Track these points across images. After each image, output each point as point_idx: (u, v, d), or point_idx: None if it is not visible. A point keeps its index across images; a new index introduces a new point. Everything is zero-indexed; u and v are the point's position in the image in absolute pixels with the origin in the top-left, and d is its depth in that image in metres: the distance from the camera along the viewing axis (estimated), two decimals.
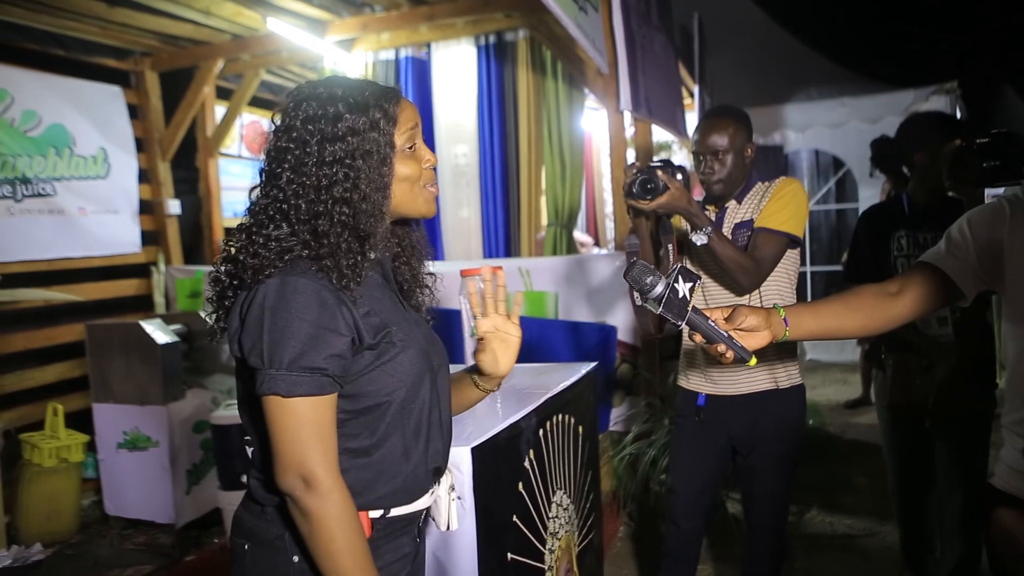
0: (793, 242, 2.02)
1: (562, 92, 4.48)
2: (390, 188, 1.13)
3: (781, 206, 2.00)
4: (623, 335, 3.71)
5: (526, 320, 3.64)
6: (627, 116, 3.93)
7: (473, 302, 1.31)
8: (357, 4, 4.49)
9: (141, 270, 4.94)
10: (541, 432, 1.91)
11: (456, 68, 4.76)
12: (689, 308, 1.22)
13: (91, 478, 3.87)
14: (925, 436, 2.40)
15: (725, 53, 6.71)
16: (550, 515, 1.94)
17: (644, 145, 4.05)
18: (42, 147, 4.30)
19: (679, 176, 1.95)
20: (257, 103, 5.57)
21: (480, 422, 1.71)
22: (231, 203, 5.28)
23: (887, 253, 2.40)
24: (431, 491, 1.22)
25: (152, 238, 5.04)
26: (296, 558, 1.09)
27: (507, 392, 2.00)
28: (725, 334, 1.24)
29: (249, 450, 1.18)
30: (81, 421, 3.80)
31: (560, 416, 2.04)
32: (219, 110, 5.26)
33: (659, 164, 1.96)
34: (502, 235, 4.65)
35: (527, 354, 2.93)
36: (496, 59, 4.64)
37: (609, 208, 6.14)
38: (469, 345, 2.07)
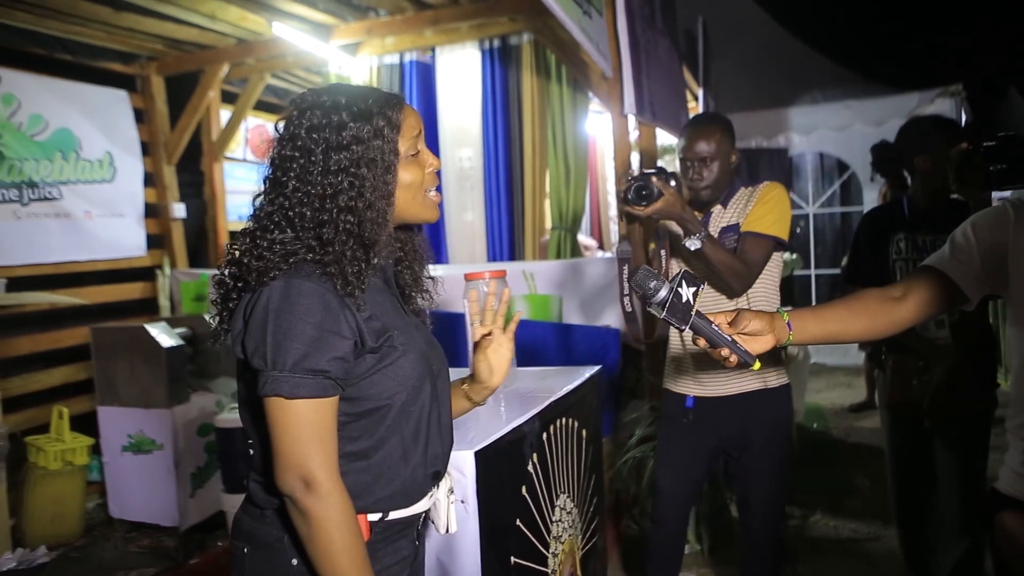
0: (779, 245, 2.07)
1: (566, 96, 4.49)
2: (394, 195, 1.14)
3: (767, 210, 2.06)
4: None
5: (530, 323, 3.66)
6: (631, 120, 3.93)
7: (472, 310, 1.33)
8: (362, 9, 4.50)
9: (146, 273, 4.96)
10: (545, 436, 1.91)
11: (460, 72, 4.77)
12: (692, 313, 1.22)
13: (96, 481, 3.88)
14: (924, 436, 2.41)
15: (729, 56, 6.72)
16: (553, 519, 1.94)
17: (648, 149, 4.05)
18: (48, 151, 4.32)
19: (672, 183, 1.99)
20: (262, 107, 5.59)
21: (483, 426, 1.71)
22: (236, 207, 5.29)
23: (886, 255, 2.40)
24: (430, 494, 1.23)
25: (157, 242, 5.06)
26: (295, 561, 1.10)
27: (511, 396, 2.00)
28: (729, 338, 1.24)
29: (251, 453, 1.18)
30: (86, 424, 3.81)
31: (564, 420, 2.04)
32: (224, 114, 5.28)
33: (653, 171, 2.00)
34: (506, 239, 4.65)
35: (531, 358, 2.94)
36: (500, 63, 4.65)
37: (613, 211, 6.14)
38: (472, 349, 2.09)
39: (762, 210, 2.06)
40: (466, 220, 4.78)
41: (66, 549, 3.53)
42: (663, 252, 2.10)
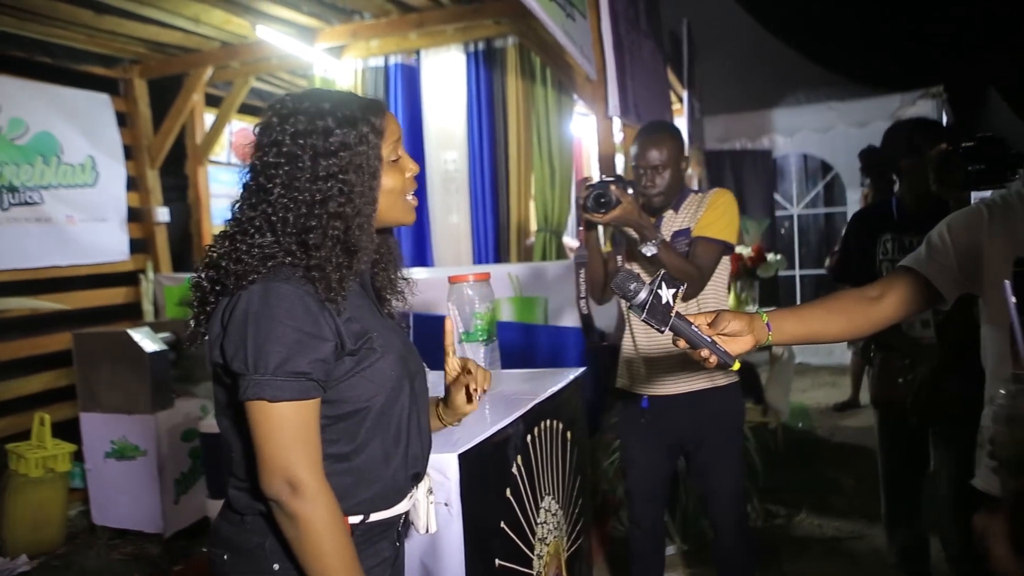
0: (728, 249, 2.17)
1: (551, 98, 4.50)
2: (378, 201, 1.14)
3: (717, 216, 2.14)
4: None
5: (516, 325, 3.64)
6: (616, 122, 3.95)
7: (447, 340, 1.35)
8: (346, 12, 4.49)
9: (130, 278, 4.92)
10: (529, 438, 1.91)
11: (445, 75, 4.77)
12: (672, 314, 1.22)
13: (78, 488, 3.85)
14: (913, 433, 2.44)
15: (714, 58, 6.76)
16: (538, 521, 1.94)
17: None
18: (29, 155, 4.28)
19: (630, 190, 2.06)
20: (247, 110, 5.56)
21: (468, 428, 1.71)
22: (221, 211, 5.25)
23: (873, 256, 2.43)
24: (410, 495, 1.23)
25: (141, 246, 5.02)
26: (276, 566, 1.10)
27: (495, 398, 2.00)
28: (709, 339, 1.24)
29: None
30: (68, 431, 3.77)
31: (548, 422, 2.04)
32: (208, 117, 5.25)
33: (612, 179, 2.06)
34: (492, 241, 4.65)
35: (516, 360, 2.93)
36: (485, 66, 4.65)
37: None
38: (457, 351, 2.10)
39: (712, 215, 2.15)
40: (451, 222, 4.78)
41: (48, 557, 3.49)
42: (619, 257, 2.18)
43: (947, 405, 2.30)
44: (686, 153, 2.29)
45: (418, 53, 4.86)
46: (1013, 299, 1.02)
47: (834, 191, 7.81)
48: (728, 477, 2.26)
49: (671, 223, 2.22)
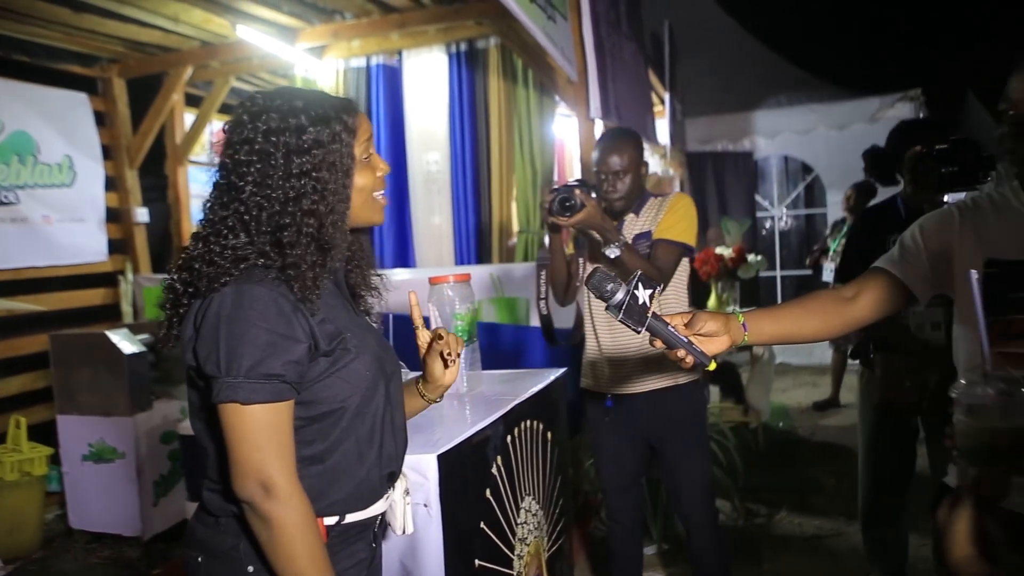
0: (688, 251, 2.24)
1: (533, 99, 4.51)
2: (351, 199, 1.15)
3: (677, 219, 2.22)
4: None
5: (497, 326, 3.64)
6: (598, 123, 3.96)
7: (415, 313, 1.35)
8: (327, 12, 4.47)
9: (108, 279, 4.87)
10: (509, 438, 1.91)
11: (427, 75, 4.77)
12: (649, 315, 1.23)
13: (55, 492, 3.80)
14: (911, 436, 2.45)
15: (695, 60, 6.81)
16: (519, 521, 1.94)
17: None
18: (5, 155, 4.23)
19: (593, 194, 2.11)
20: (228, 110, 5.50)
21: (447, 429, 1.71)
22: (201, 211, 5.21)
23: (879, 255, 2.43)
24: (386, 496, 1.23)
25: (120, 247, 4.97)
26: (251, 568, 1.09)
27: (475, 399, 2.00)
28: (685, 339, 1.25)
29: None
30: (45, 434, 3.73)
31: (528, 422, 2.05)
32: (189, 117, 5.21)
33: (576, 184, 2.11)
34: (473, 242, 4.66)
35: (498, 361, 2.93)
36: (467, 66, 4.66)
37: None
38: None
39: (672, 219, 2.22)
40: (433, 223, 4.78)
41: (24, 562, 3.45)
42: (582, 259, 2.23)
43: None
44: (646, 159, 2.35)
45: (400, 54, 4.85)
46: (978, 288, 1.05)
47: (814, 192, 7.89)
48: (696, 471, 2.32)
49: (632, 226, 2.28)
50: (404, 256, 4.85)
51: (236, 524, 1.10)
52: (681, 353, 1.25)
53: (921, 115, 6.75)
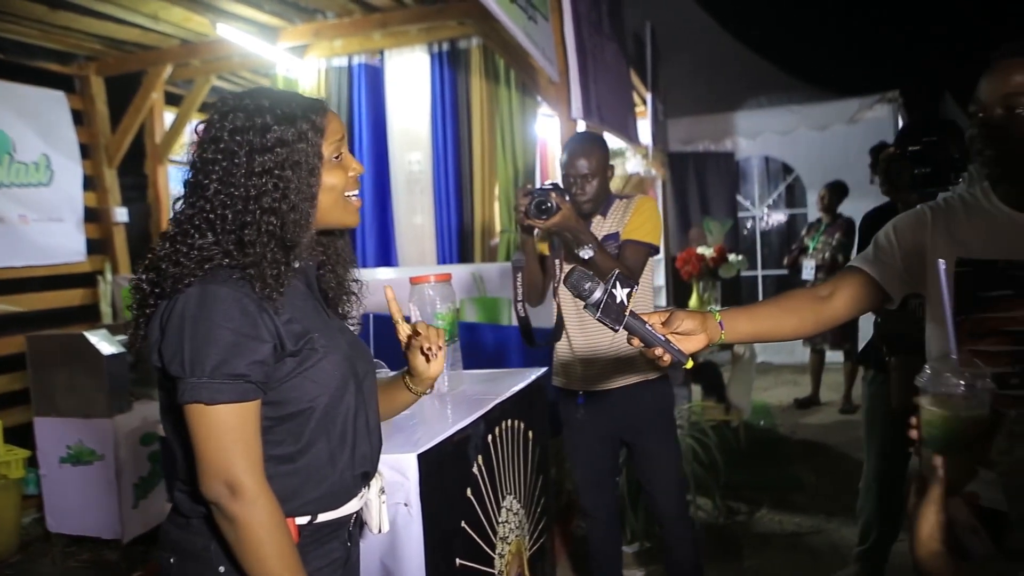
0: (654, 251, 2.33)
1: (515, 99, 4.51)
2: (317, 198, 1.14)
3: (643, 220, 2.30)
4: None
5: (479, 326, 3.64)
6: (580, 124, 3.97)
7: (393, 308, 1.35)
8: (309, 11, 4.45)
9: (87, 279, 4.82)
10: (490, 438, 1.92)
11: (409, 75, 4.76)
12: (627, 313, 1.24)
13: (32, 495, 3.75)
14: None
15: (677, 61, 6.84)
16: (500, 520, 1.94)
17: None
18: None
19: (567, 197, 2.15)
20: (208, 109, 5.48)
21: (428, 428, 1.71)
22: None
23: None
24: (360, 495, 1.23)
25: (98, 247, 4.91)
26: (222, 568, 1.09)
27: (456, 398, 2.00)
28: (662, 338, 1.26)
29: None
30: (21, 436, 3.68)
31: (509, 421, 2.05)
32: (169, 116, 5.16)
33: (550, 187, 2.16)
34: (456, 241, 4.66)
35: (480, 360, 2.94)
36: (449, 66, 4.66)
37: None
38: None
39: (639, 220, 2.29)
40: (415, 223, 4.78)
41: (0, 566, 3.40)
42: (557, 261, 2.27)
43: None
44: (618, 158, 2.37)
45: (382, 53, 4.84)
46: (945, 278, 1.07)
47: (795, 193, 7.95)
48: (667, 465, 2.38)
49: (599, 228, 2.34)
50: (386, 256, 4.84)
51: (206, 525, 1.10)
52: (658, 351, 1.26)
53: (899, 116, 6.84)
